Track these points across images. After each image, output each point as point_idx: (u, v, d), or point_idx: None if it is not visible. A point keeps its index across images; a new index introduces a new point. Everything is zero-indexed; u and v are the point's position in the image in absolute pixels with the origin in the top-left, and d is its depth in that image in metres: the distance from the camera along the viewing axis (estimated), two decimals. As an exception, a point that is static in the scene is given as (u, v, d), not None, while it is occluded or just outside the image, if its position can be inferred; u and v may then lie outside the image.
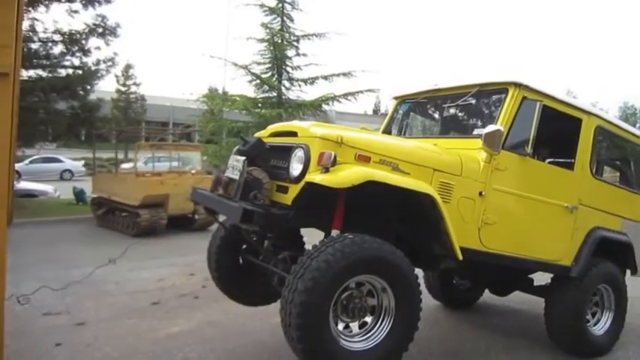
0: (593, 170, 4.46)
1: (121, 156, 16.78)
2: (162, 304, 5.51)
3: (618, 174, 5.49)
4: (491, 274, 4.67)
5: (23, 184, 16.54)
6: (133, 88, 41.25)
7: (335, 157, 3.07)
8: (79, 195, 14.46)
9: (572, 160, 4.28)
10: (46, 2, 12.67)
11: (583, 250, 4.30)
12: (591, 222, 4.41)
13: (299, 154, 3.26)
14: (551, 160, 4.29)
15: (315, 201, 3.27)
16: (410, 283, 3.17)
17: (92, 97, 14.58)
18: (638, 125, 51.25)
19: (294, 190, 3.25)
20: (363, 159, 3.27)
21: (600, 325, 4.61)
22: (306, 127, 3.45)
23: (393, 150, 3.45)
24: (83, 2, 13.14)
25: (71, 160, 27.60)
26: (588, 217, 4.37)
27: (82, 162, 27.58)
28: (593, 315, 4.61)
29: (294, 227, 4.15)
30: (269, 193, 3.44)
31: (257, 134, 3.92)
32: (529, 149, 3.78)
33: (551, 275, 4.55)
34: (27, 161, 24.56)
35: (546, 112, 3.86)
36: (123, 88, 40.59)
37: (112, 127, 17.34)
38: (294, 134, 3.52)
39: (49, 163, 25.89)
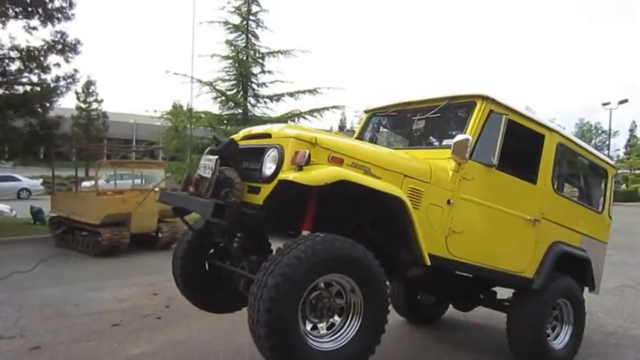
0: (555, 185, 4.58)
1: (81, 174, 16.37)
2: (123, 325, 5.36)
3: (577, 191, 5.61)
4: (455, 285, 4.72)
5: (-23, 204, 15.89)
6: (95, 105, 40.47)
7: (309, 155, 3.07)
8: (37, 214, 13.99)
9: (535, 175, 4.39)
10: (3, 19, 12.37)
11: (545, 263, 4.38)
12: (552, 236, 4.50)
13: (273, 154, 3.25)
14: (515, 173, 4.32)
15: (287, 201, 3.25)
16: (379, 284, 3.16)
17: (51, 114, 14.21)
18: (593, 142, 53.39)
19: (266, 189, 3.22)
20: (336, 161, 3.28)
21: (560, 340, 4.67)
22: (279, 129, 3.46)
23: (366, 154, 3.48)
24: (42, 19, 12.86)
25: (29, 179, 26.70)
26: (549, 231, 4.47)
27: (41, 180, 26.75)
28: (553, 329, 4.67)
29: (263, 230, 4.12)
30: (240, 194, 3.40)
31: (231, 137, 3.89)
32: (495, 160, 3.86)
33: (513, 291, 4.63)
34: (-19, 180, 23.67)
35: (511, 127, 3.97)
36: (84, 105, 39.77)
37: (72, 145, 16.89)
38: (267, 136, 3.51)
39: (5, 182, 24.98)
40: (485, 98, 3.93)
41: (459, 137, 3.61)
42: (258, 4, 14.66)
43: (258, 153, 3.42)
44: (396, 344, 5.06)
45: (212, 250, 4.17)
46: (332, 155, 3.28)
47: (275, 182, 3.15)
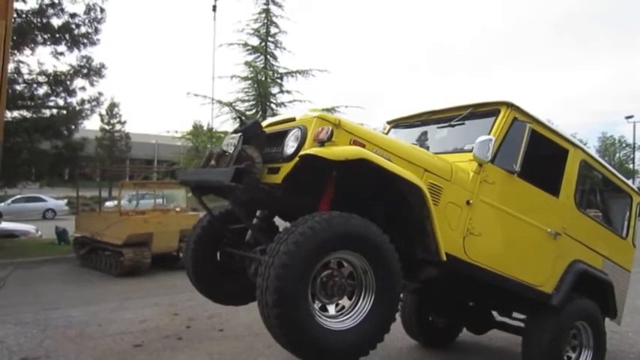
0: (577, 202, 4.47)
1: (104, 194, 16.66)
2: (144, 346, 5.40)
3: (600, 213, 5.38)
4: (469, 297, 4.56)
5: (4, 225, 16.23)
6: (118, 127, 41.31)
7: (332, 132, 3.07)
8: (61, 235, 14.22)
9: (557, 188, 4.31)
10: (32, 45, 12.80)
11: (564, 280, 4.25)
12: (573, 253, 4.38)
13: (296, 133, 3.26)
14: (537, 183, 4.20)
15: (305, 181, 3.22)
16: (392, 267, 3.10)
17: (76, 136, 14.58)
18: (617, 155, 52.40)
19: (287, 168, 3.19)
20: (358, 145, 3.24)
21: None
22: (304, 113, 3.50)
23: (388, 143, 3.47)
24: (68, 44, 13.30)
25: (54, 199, 27.28)
26: (570, 248, 4.35)
27: (65, 201, 27.30)
28: (574, 349, 4.49)
29: (279, 211, 4.06)
30: (260, 174, 3.37)
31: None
32: (517, 167, 3.83)
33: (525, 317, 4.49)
34: (9, 201, 24.23)
35: (535, 137, 3.95)
36: (107, 127, 40.62)
37: (95, 166, 17.25)
38: (291, 121, 3.53)
39: (31, 203, 25.59)
40: (510, 105, 3.94)
41: (482, 137, 3.60)
42: (277, 26, 14.97)
43: (281, 136, 3.41)
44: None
45: (225, 239, 4.12)
46: (354, 139, 3.27)
47: (295, 160, 3.13)
